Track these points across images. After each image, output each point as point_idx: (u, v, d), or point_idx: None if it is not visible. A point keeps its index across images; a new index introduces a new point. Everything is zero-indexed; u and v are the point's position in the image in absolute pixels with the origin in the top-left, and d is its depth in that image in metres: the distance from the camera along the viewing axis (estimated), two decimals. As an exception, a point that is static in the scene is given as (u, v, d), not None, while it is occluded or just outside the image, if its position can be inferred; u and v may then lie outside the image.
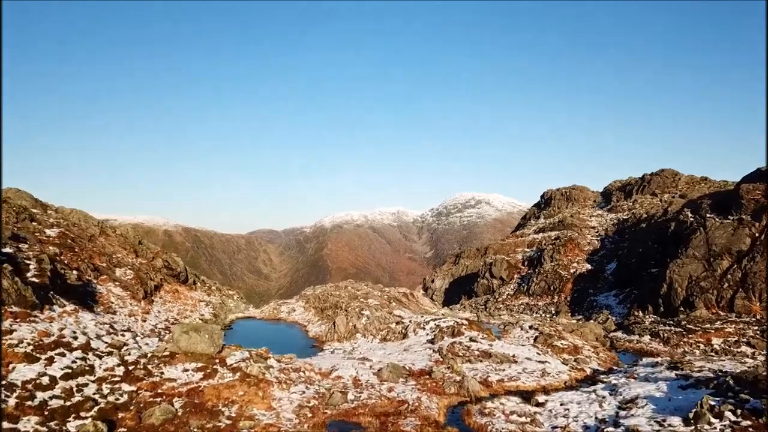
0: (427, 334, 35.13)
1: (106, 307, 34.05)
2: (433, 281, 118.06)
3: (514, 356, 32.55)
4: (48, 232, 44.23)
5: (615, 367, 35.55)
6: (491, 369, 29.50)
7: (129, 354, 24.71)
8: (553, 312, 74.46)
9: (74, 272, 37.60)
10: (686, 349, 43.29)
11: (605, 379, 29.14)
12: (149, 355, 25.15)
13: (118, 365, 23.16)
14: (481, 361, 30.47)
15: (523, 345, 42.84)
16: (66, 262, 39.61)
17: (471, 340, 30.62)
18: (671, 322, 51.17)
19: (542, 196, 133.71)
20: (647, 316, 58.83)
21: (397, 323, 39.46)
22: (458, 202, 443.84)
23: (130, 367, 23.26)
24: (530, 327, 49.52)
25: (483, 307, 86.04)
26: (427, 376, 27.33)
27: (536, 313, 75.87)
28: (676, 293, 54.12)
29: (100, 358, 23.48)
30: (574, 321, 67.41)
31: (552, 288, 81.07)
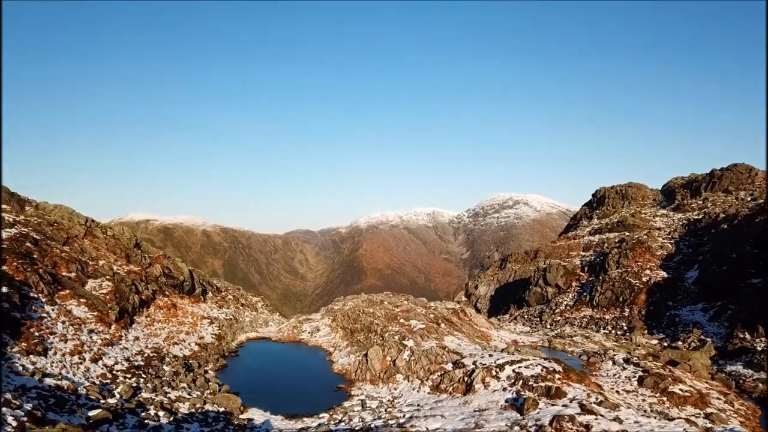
0: (505, 388, 22.80)
1: (35, 343, 22.84)
2: (476, 287, 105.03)
3: None
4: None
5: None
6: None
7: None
8: (625, 328, 61.06)
9: (11, 288, 26.47)
10: None
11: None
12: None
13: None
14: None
15: (628, 391, 30.17)
16: (10, 273, 28.65)
17: (584, 409, 18.42)
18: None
19: (594, 195, 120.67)
20: (758, 339, 45.46)
21: (456, 365, 27.09)
22: (495, 203, 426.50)
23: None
24: (626, 360, 36.60)
25: (537, 319, 73.13)
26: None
27: (603, 329, 62.53)
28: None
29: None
30: (656, 342, 54.13)
31: (621, 299, 67.29)
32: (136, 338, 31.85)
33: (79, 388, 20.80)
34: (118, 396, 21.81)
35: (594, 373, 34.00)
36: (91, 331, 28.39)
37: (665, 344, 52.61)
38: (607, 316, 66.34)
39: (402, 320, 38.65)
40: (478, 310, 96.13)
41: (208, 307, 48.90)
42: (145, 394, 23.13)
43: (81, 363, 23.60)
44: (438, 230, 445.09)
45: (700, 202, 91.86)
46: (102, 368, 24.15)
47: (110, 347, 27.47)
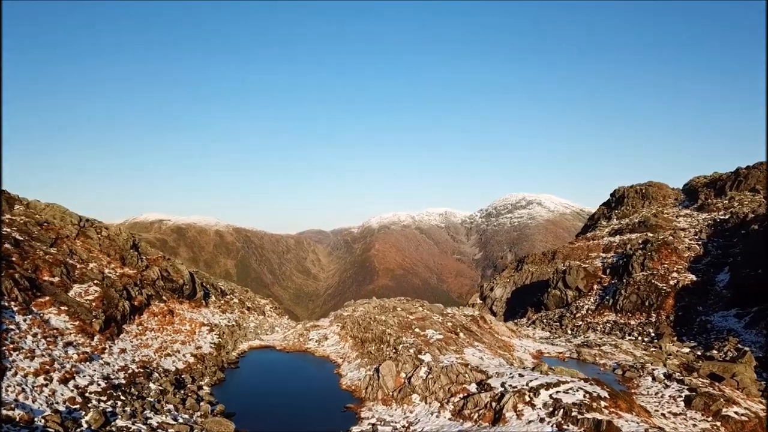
0: (542, 418, 18.78)
1: (-10, 362, 19.42)
2: (492, 289, 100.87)
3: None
4: (-22, 233, 30.17)
5: None
6: None
7: None
8: (653, 335, 56.78)
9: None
10: None
11: None
12: None
13: None
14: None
15: (675, 414, 26.20)
16: (-20, 278, 25.33)
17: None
18: None
19: (612, 195, 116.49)
20: (803, 350, 41.32)
21: (481, 386, 23.16)
22: (508, 203, 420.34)
23: None
24: (667, 376, 32.53)
25: (558, 324, 68.98)
26: None
27: (629, 335, 58.29)
28: None
29: None
30: (687, 350, 49.84)
31: (647, 303, 62.90)
32: (123, 350, 28.37)
33: (36, 419, 17.29)
34: (85, 426, 18.27)
35: (633, 391, 30.06)
36: (68, 345, 24.93)
37: (698, 353, 48.33)
38: (632, 322, 62.13)
39: (417, 329, 34.88)
40: (494, 313, 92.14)
41: (209, 312, 45.47)
42: (120, 422, 19.57)
43: (46, 385, 20.05)
44: (450, 230, 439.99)
45: (726, 201, 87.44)
46: (72, 390, 20.60)
47: (88, 363, 23.97)
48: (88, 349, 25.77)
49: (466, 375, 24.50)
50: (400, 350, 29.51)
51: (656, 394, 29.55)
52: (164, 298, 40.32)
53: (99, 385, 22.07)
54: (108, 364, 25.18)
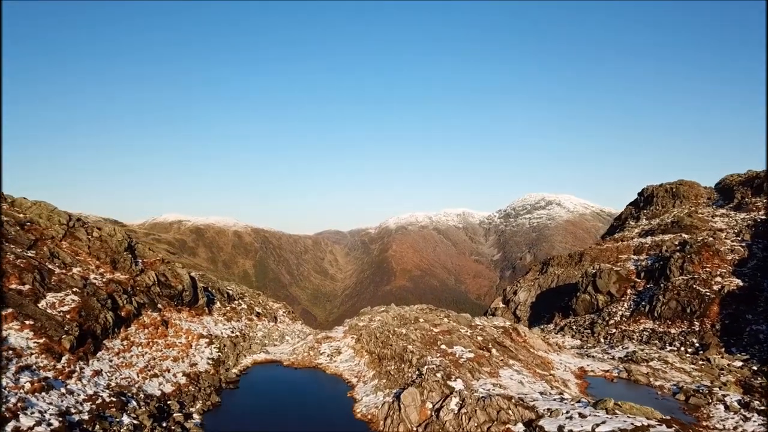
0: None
1: None
2: (515, 293, 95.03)
3: None
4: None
5: None
6: None
7: None
8: (697, 345, 50.98)
9: None
10: None
11: None
12: None
13: None
14: None
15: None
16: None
17: None
18: None
19: (640, 194, 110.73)
20: None
21: (529, 428, 17.98)
22: (527, 203, 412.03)
23: None
24: (743, 404, 26.97)
25: (589, 331, 63.24)
26: None
27: (669, 345, 52.52)
28: None
29: None
30: (740, 364, 44.06)
31: (688, 310, 56.88)
32: (97, 373, 23.62)
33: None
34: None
35: (705, 424, 24.67)
36: (22, 369, 20.23)
37: (754, 368, 42.53)
38: (672, 330, 56.20)
39: (443, 345, 29.75)
40: (518, 318, 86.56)
41: (212, 320, 40.77)
42: (66, 479, 14.81)
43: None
44: (468, 231, 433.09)
45: (766, 200, 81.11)
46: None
47: (43, 394, 19.24)
48: (49, 374, 21.06)
49: (510, 412, 19.34)
50: (425, 373, 24.42)
51: (735, 430, 24.13)
52: (159, 306, 35.65)
53: (50, 425, 17.29)
54: (71, 393, 20.41)
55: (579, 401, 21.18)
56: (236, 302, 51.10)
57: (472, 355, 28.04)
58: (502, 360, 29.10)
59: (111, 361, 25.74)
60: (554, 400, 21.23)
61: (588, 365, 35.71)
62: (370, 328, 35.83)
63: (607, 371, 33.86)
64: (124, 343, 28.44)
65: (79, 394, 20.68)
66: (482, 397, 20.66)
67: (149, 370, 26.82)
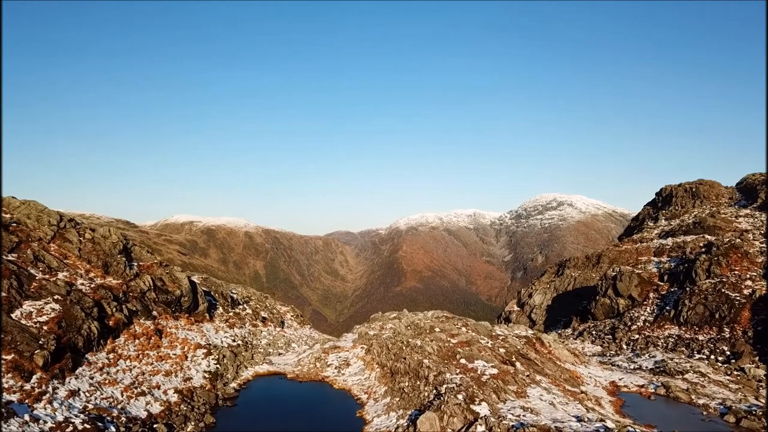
0: None
1: None
2: (530, 296, 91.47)
3: None
4: None
5: None
6: None
7: None
8: (728, 353, 47.37)
9: None
10: None
11: None
12: None
13: None
14: None
15: None
16: None
17: None
18: None
19: (658, 194, 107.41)
20: None
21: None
22: (538, 204, 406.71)
23: None
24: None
25: (610, 336, 59.67)
26: None
27: (698, 352, 48.95)
28: None
29: None
30: (778, 375, 40.51)
31: (717, 316, 53.14)
32: (73, 393, 20.75)
33: None
34: None
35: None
36: (-20, 393, 17.45)
37: (793, 379, 38.99)
38: (700, 337, 52.53)
39: (463, 360, 26.64)
40: (533, 322, 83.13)
41: (213, 328, 37.89)
42: None
43: None
44: (479, 232, 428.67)
45: (793, 200, 77.51)
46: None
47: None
48: (14, 397, 18.24)
49: (546, 446, 16.29)
50: (444, 393, 21.34)
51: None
52: (154, 313, 32.81)
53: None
54: (36, 420, 17.54)
55: (624, 425, 17.96)
56: (240, 307, 48.27)
57: (495, 371, 24.91)
58: (528, 376, 25.95)
59: (92, 378, 22.88)
60: (595, 429, 18.05)
61: (620, 379, 32.40)
62: (381, 337, 32.74)
63: (642, 386, 30.52)
64: (111, 356, 25.61)
65: (46, 422, 17.80)
66: (513, 426, 17.54)
67: (136, 388, 23.95)
